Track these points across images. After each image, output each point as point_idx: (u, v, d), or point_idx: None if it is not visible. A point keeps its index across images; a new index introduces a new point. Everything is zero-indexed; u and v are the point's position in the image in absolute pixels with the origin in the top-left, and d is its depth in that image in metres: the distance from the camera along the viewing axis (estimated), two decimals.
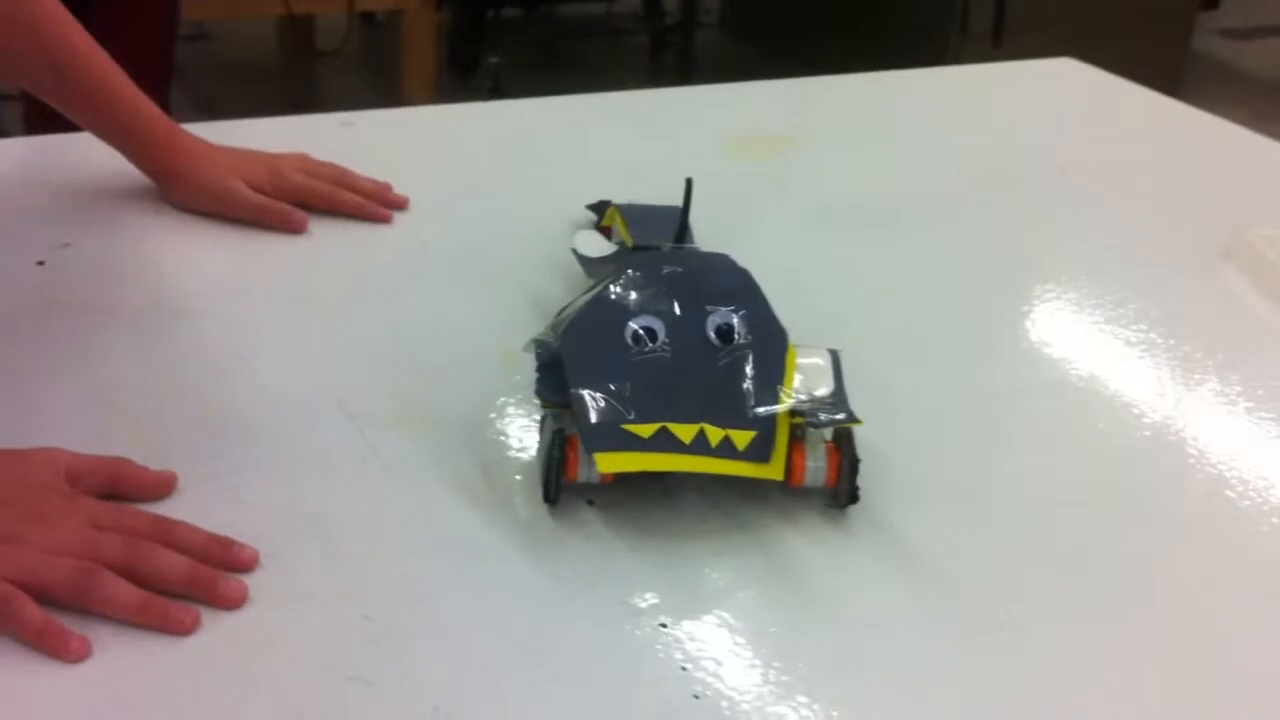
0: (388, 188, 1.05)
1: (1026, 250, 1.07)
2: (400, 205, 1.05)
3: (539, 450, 0.73)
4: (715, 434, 0.69)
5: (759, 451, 0.70)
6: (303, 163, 1.04)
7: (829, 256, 1.03)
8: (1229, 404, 0.86)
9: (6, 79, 0.98)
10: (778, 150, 1.23)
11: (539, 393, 0.72)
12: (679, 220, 0.87)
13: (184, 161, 1.01)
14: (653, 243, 0.87)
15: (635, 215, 0.94)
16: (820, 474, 0.71)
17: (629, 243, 0.90)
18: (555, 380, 0.72)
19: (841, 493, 0.71)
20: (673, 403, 0.70)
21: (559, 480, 0.70)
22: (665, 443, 0.69)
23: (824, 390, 0.73)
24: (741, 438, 0.69)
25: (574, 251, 0.91)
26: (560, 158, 1.18)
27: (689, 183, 0.85)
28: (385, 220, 1.03)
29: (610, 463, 0.68)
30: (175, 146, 1.01)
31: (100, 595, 0.62)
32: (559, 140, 1.22)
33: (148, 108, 1.00)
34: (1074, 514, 0.75)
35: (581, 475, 0.70)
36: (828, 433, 0.73)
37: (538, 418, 0.76)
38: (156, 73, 1.71)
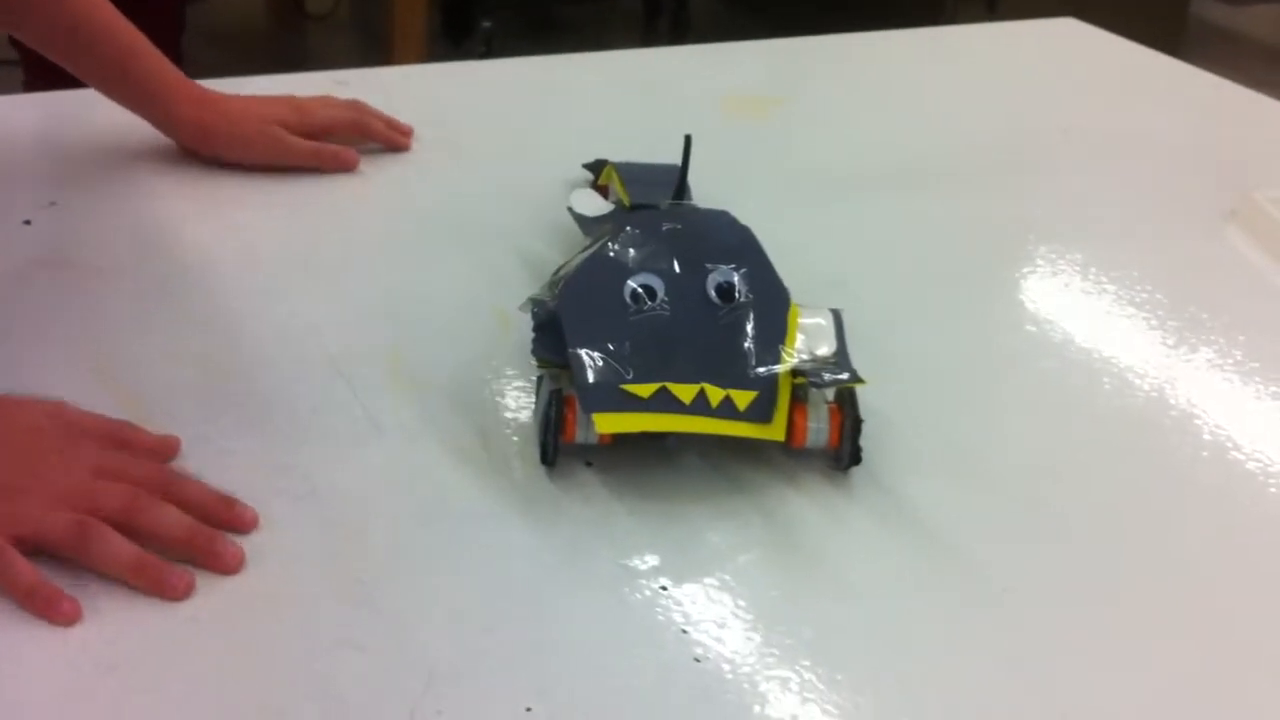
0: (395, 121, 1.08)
1: (1029, 213, 1.05)
2: (408, 137, 1.07)
3: (536, 411, 0.72)
4: (716, 394, 0.68)
5: (760, 412, 0.68)
6: (323, 99, 1.05)
7: (826, 218, 1.02)
8: (1236, 366, 0.85)
9: (22, 35, 0.96)
10: (773, 110, 1.21)
11: (535, 353, 0.71)
12: (677, 178, 0.86)
13: (218, 116, 0.99)
14: (651, 202, 0.86)
15: (632, 174, 0.92)
16: (822, 435, 0.70)
17: (626, 202, 0.88)
18: (552, 340, 0.70)
19: (844, 453, 0.70)
20: (672, 362, 0.69)
21: (556, 441, 0.69)
22: (665, 403, 0.68)
23: (826, 350, 0.72)
24: (742, 398, 0.68)
25: (570, 210, 0.89)
26: (555, 117, 1.17)
27: (688, 140, 0.83)
28: (407, 148, 1.06)
29: (609, 423, 0.67)
30: (204, 101, 1.00)
31: (97, 550, 0.60)
32: (554, 100, 1.20)
33: (168, 65, 0.98)
34: (1079, 477, 0.74)
35: (579, 436, 0.69)
36: (830, 393, 0.71)
37: (535, 378, 0.74)
38: (170, 33, 1.69)
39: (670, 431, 0.68)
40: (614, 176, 0.93)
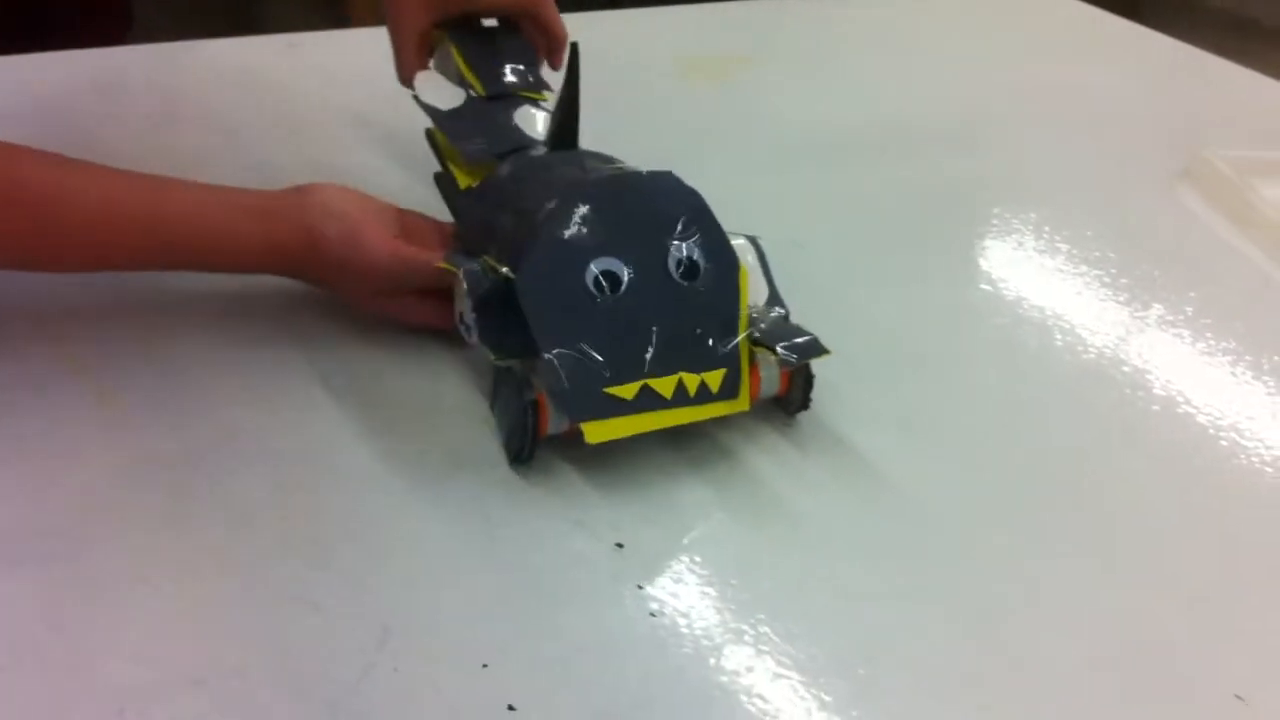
0: None
1: (983, 173, 1.06)
2: None
3: (500, 410, 0.70)
4: (692, 381, 0.67)
5: (730, 388, 0.68)
6: None
7: (780, 180, 1.02)
8: (1187, 322, 0.85)
9: None
10: (731, 73, 1.21)
11: (486, 343, 0.67)
12: (526, 55, 0.83)
13: None
14: (504, 89, 0.83)
15: (474, 49, 0.85)
16: (773, 383, 0.70)
17: (479, 88, 0.84)
18: (504, 323, 0.67)
19: (794, 400, 0.71)
20: (645, 350, 0.67)
21: (533, 448, 0.67)
22: (648, 401, 0.66)
23: (762, 295, 0.72)
24: (714, 379, 0.68)
25: (416, 99, 0.85)
26: None
27: (574, 48, 0.77)
28: None
29: (598, 432, 0.65)
30: None
31: None
32: None
33: None
34: (1031, 432, 0.74)
35: (551, 429, 0.67)
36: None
37: (491, 361, 0.72)
38: None
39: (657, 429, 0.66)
40: (454, 52, 0.86)
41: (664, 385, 0.67)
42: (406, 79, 0.87)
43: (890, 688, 0.57)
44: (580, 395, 0.65)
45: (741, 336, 0.69)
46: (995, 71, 1.26)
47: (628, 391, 0.66)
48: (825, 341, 0.70)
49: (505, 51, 0.86)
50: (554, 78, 0.85)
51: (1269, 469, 0.72)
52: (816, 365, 0.71)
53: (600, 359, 0.66)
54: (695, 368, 0.67)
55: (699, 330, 0.69)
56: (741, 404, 0.68)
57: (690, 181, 0.73)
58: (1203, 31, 1.48)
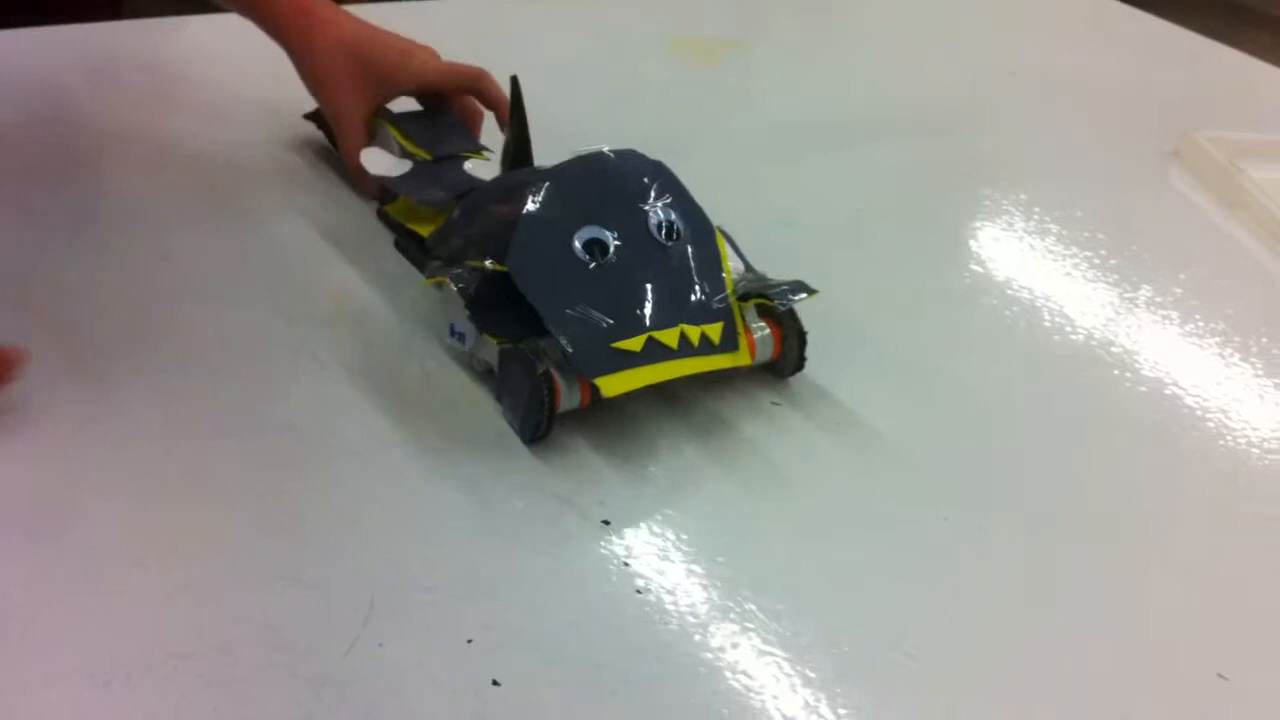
0: None
1: (974, 154, 1.06)
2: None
3: (510, 393, 0.69)
4: (693, 333, 0.68)
5: (730, 341, 0.69)
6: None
7: (774, 162, 1.02)
8: (1176, 303, 0.85)
9: None
10: (724, 54, 1.20)
11: (488, 330, 0.68)
12: (459, 130, 0.86)
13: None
14: (453, 150, 0.85)
15: (411, 128, 0.89)
16: (768, 347, 0.71)
17: (426, 156, 0.85)
18: (494, 310, 0.68)
19: (789, 361, 0.72)
20: (646, 309, 0.68)
21: (551, 422, 0.67)
22: (656, 353, 0.67)
23: (739, 266, 0.73)
24: (714, 331, 0.69)
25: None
26: (496, 60, 1.14)
27: (515, 83, 0.80)
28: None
29: (614, 385, 0.65)
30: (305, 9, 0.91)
31: None
32: (495, 42, 1.18)
33: None
34: (1019, 414, 0.74)
35: (564, 403, 0.67)
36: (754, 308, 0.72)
37: (495, 346, 0.72)
38: None
39: (668, 380, 0.67)
40: (394, 132, 0.88)
41: (668, 337, 0.67)
42: (358, 166, 0.88)
43: (873, 666, 0.57)
44: (590, 353, 0.66)
45: (733, 295, 0.70)
46: (985, 53, 1.26)
47: (635, 344, 0.67)
48: (816, 322, 0.70)
49: (441, 126, 0.89)
50: (492, 142, 0.87)
51: (1255, 450, 0.72)
52: (809, 346, 0.71)
53: (603, 317, 0.67)
54: (694, 320, 0.69)
55: (690, 287, 0.70)
56: (743, 358, 0.69)
57: (681, 163, 0.74)
58: (1190, 14, 1.48)
